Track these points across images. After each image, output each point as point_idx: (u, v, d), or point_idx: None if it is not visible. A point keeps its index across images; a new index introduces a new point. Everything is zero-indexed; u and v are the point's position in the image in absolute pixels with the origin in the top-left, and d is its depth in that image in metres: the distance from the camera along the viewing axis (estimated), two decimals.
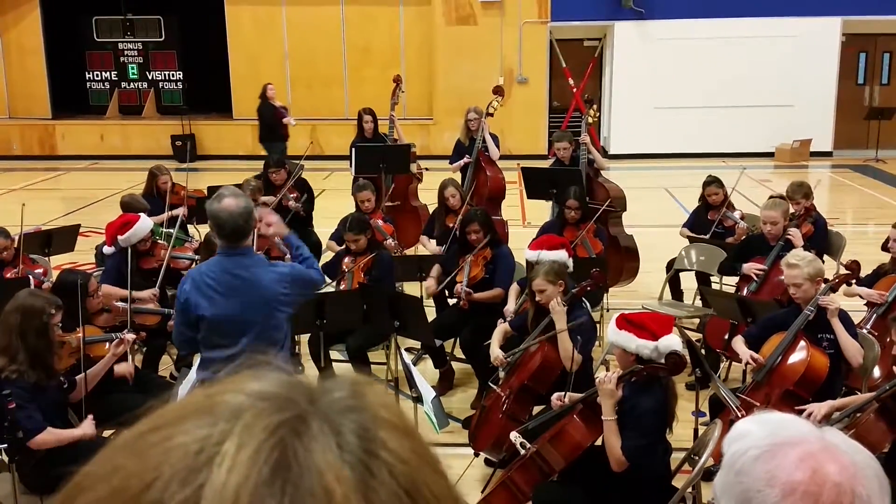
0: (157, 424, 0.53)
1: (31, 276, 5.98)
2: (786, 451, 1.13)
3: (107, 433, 4.61)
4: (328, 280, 4.02)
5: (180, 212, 7.32)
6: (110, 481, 0.51)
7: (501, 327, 5.09)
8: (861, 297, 5.43)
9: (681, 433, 4.29)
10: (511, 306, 5.61)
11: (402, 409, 0.59)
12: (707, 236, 6.91)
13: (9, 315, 4.01)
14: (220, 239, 3.78)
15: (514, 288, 5.76)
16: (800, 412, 4.05)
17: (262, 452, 0.50)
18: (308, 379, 0.57)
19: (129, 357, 4.94)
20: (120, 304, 5.41)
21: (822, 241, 6.47)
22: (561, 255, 5.21)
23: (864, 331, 4.98)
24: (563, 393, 4.17)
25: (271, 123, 12.92)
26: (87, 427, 4.07)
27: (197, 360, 4.59)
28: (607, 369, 4.48)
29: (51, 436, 3.92)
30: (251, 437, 0.50)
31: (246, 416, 0.52)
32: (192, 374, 4.37)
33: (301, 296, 3.98)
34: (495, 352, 4.91)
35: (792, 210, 6.29)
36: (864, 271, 5.44)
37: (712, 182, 7.08)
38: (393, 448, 0.53)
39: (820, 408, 4.09)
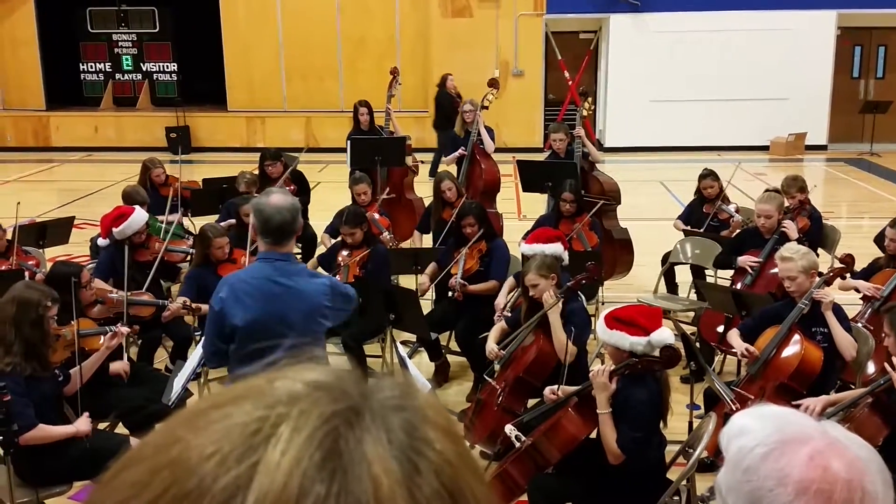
0: (219, 402, 0.55)
1: (24, 268, 5.97)
2: (795, 449, 1.13)
3: (101, 426, 4.61)
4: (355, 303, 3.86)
5: (177, 217, 7.25)
6: (169, 451, 0.53)
7: (498, 325, 5.09)
8: (857, 290, 5.45)
9: (675, 426, 4.30)
10: (501, 300, 5.61)
11: (448, 413, 0.60)
12: (702, 230, 6.93)
13: (4, 306, 4.01)
14: (263, 237, 3.57)
15: (509, 281, 5.77)
16: (795, 407, 4.06)
17: (316, 438, 0.51)
18: (361, 374, 0.59)
19: (125, 354, 4.93)
20: (114, 295, 5.40)
21: (818, 234, 6.49)
22: (556, 248, 5.21)
23: (860, 325, 4.99)
24: (557, 386, 4.18)
25: (448, 112, 12.83)
26: (81, 424, 4.06)
27: (194, 352, 4.59)
28: (602, 362, 4.50)
29: (41, 433, 3.91)
30: (307, 422, 0.52)
31: (302, 403, 0.54)
32: (188, 366, 4.37)
33: (341, 310, 3.72)
34: (491, 346, 4.91)
35: (787, 204, 6.31)
36: (859, 265, 5.45)
37: (707, 175, 7.09)
38: (439, 448, 0.55)
39: (816, 403, 4.10)
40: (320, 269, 6.09)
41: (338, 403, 0.54)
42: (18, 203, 6.70)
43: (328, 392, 0.55)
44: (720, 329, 5.51)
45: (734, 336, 4.70)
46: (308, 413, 0.53)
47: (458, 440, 0.57)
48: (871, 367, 4.69)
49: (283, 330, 3.41)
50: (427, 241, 7.25)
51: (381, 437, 0.53)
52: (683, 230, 7.13)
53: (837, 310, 4.50)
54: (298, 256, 7.36)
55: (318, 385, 0.56)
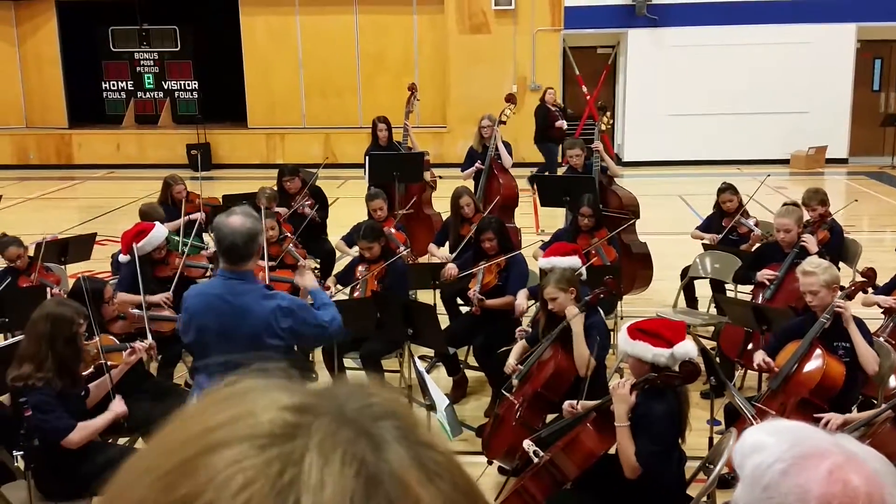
0: (207, 446, 0.53)
1: (46, 286, 6.03)
2: (814, 464, 1.12)
3: (121, 441, 4.63)
4: (337, 329, 3.85)
5: (198, 216, 7.35)
6: None
7: (520, 344, 5.08)
8: (879, 305, 5.38)
9: (696, 442, 4.27)
10: (522, 301, 5.62)
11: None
12: (719, 236, 6.89)
13: (37, 323, 4.02)
14: (219, 255, 3.66)
15: (524, 291, 5.76)
16: (817, 420, 4.02)
17: (347, 464, 0.51)
18: (327, 384, 0.59)
19: (146, 365, 4.96)
20: (135, 311, 5.44)
21: (839, 248, 6.43)
22: (574, 261, 5.20)
23: (881, 339, 4.94)
24: (576, 401, 4.16)
25: (543, 125, 12.95)
26: (117, 406, 4.12)
27: None
28: (621, 377, 4.47)
29: (85, 430, 3.94)
30: (331, 452, 0.52)
31: (311, 432, 0.53)
32: None
33: (305, 333, 3.72)
34: (510, 361, 4.91)
35: (807, 217, 6.26)
36: (881, 279, 5.40)
37: (727, 189, 7.05)
38: (442, 450, 0.56)
39: (837, 418, 4.06)
40: (338, 286, 6.11)
41: (340, 423, 0.54)
42: (44, 237, 6.76)
43: (318, 414, 0.54)
44: (741, 344, 5.47)
45: (759, 355, 4.64)
46: (323, 442, 0.52)
47: (440, 436, 0.58)
48: (892, 382, 4.64)
49: (226, 346, 3.52)
50: (443, 254, 7.25)
51: (398, 450, 0.53)
52: (700, 238, 7.08)
53: (859, 324, 4.46)
54: (317, 271, 7.38)
55: (302, 408, 0.55)
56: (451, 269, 6.16)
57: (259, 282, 3.95)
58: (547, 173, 11.59)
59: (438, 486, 0.53)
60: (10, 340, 4.77)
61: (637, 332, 3.83)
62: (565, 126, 12.99)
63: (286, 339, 3.62)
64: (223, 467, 0.51)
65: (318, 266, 7.71)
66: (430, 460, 0.54)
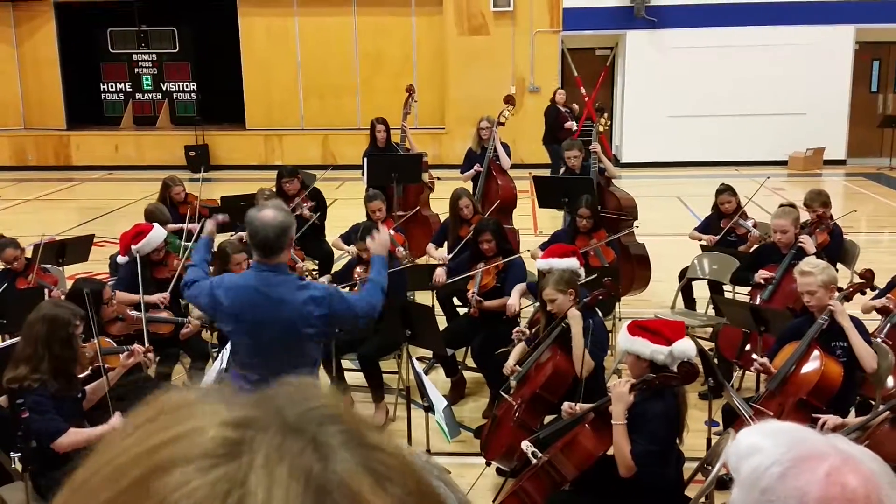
0: (154, 467, 0.51)
1: (44, 287, 6.02)
2: (812, 467, 1.12)
3: None
4: (370, 318, 3.93)
5: (197, 227, 7.32)
6: None
7: (520, 346, 5.07)
8: (876, 308, 5.37)
9: (694, 442, 4.27)
10: (515, 301, 5.60)
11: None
12: (717, 237, 6.90)
13: (34, 325, 4.01)
14: (252, 248, 3.76)
15: (520, 287, 5.74)
16: (815, 420, 4.02)
17: (295, 479, 0.50)
18: (264, 391, 0.57)
19: (144, 369, 4.96)
20: (134, 312, 5.44)
21: (838, 250, 6.43)
22: (572, 262, 5.20)
23: (879, 340, 4.94)
24: (574, 402, 4.16)
25: (553, 126, 12.90)
26: (116, 423, 4.08)
27: (217, 359, 4.61)
28: (620, 378, 4.47)
29: (78, 436, 3.90)
30: (276, 467, 0.50)
31: (253, 449, 0.51)
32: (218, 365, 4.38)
33: (338, 321, 3.88)
34: (509, 363, 4.91)
35: (807, 218, 6.26)
36: (879, 280, 5.40)
37: (725, 190, 7.05)
38: (391, 451, 0.55)
39: (834, 419, 4.06)
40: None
41: (283, 434, 0.52)
42: (42, 235, 6.75)
43: (260, 427, 0.53)
44: (739, 345, 5.47)
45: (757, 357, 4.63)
46: (268, 457, 0.51)
47: (388, 435, 0.57)
48: (890, 382, 4.64)
49: (263, 336, 3.69)
50: (440, 254, 7.25)
51: (345, 456, 0.52)
52: (698, 239, 7.08)
53: (857, 324, 4.46)
54: (315, 272, 7.38)
55: (243, 422, 0.53)
56: (439, 277, 6.17)
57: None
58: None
59: (390, 490, 0.52)
60: (7, 342, 4.76)
61: (637, 328, 3.85)
62: (574, 127, 12.95)
63: (319, 328, 3.75)
64: (169, 492, 0.50)
65: (317, 268, 7.71)
66: (380, 464, 0.53)
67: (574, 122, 13.02)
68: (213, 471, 0.50)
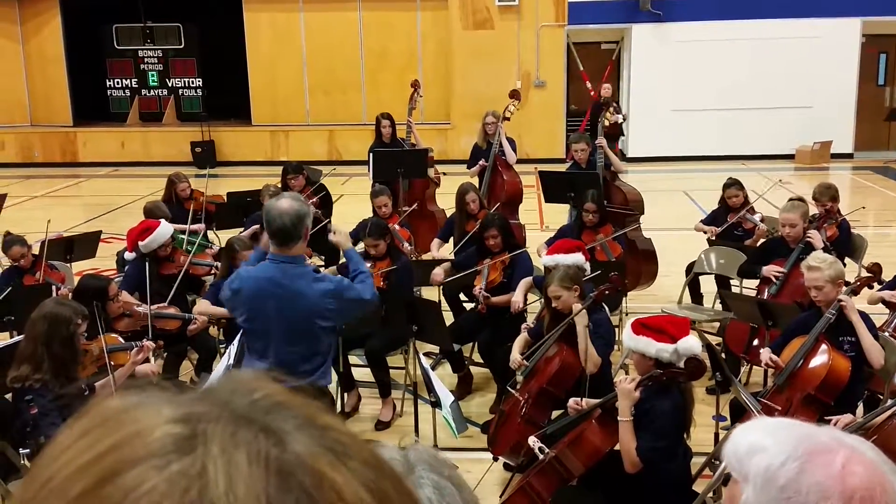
0: (109, 472, 0.49)
1: (51, 284, 6.04)
2: (827, 460, 1.12)
3: None
4: (374, 299, 3.98)
5: (202, 227, 7.33)
6: None
7: (522, 336, 5.08)
8: (884, 300, 5.36)
9: (701, 437, 4.27)
10: (520, 297, 5.59)
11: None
12: (721, 229, 6.88)
13: (35, 323, 4.00)
14: (269, 238, 3.79)
15: (526, 281, 5.74)
16: (826, 421, 4.00)
17: (255, 465, 0.49)
18: (203, 387, 0.57)
19: (152, 358, 4.96)
20: (141, 309, 5.45)
21: (846, 244, 6.41)
22: (577, 258, 5.20)
23: (887, 334, 4.92)
24: (581, 398, 4.15)
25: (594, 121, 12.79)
26: None
27: (224, 355, 4.62)
28: (626, 373, 4.47)
29: None
30: (234, 455, 0.50)
31: (207, 441, 0.50)
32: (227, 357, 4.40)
33: (349, 311, 3.95)
34: (515, 356, 4.90)
35: (815, 212, 6.24)
36: (886, 273, 5.38)
37: (732, 185, 7.03)
38: (344, 430, 0.55)
39: (847, 419, 4.05)
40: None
41: (235, 424, 0.51)
42: (49, 221, 6.81)
43: (209, 420, 0.52)
44: (746, 340, 5.46)
45: (765, 353, 4.63)
46: (224, 446, 0.50)
47: (335, 415, 0.57)
48: None
49: (284, 328, 3.72)
50: (446, 250, 7.25)
51: (301, 438, 0.52)
52: (703, 230, 7.05)
53: (864, 319, 4.45)
54: (322, 268, 7.38)
55: (190, 417, 0.52)
56: (437, 277, 6.16)
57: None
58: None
59: (350, 466, 0.52)
60: (11, 340, 4.76)
61: (641, 327, 3.84)
62: (621, 120, 12.79)
63: (333, 320, 3.81)
64: (126, 494, 0.48)
65: (323, 263, 7.72)
66: (336, 442, 0.53)
67: (620, 116, 12.89)
68: (169, 467, 0.49)
